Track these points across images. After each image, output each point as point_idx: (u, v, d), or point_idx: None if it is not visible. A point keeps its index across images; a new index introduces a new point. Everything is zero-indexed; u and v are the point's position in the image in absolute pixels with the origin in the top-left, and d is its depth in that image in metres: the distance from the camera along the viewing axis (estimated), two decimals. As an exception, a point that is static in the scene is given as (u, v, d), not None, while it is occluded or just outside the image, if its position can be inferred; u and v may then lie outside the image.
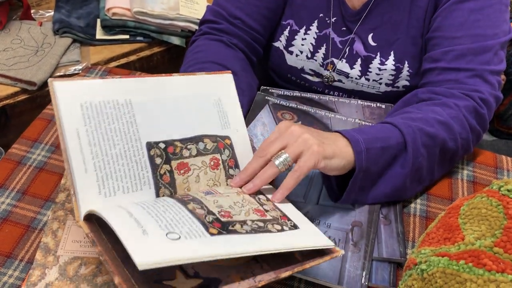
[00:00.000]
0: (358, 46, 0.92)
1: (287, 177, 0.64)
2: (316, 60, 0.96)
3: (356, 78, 0.94)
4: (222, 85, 0.72)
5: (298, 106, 0.89)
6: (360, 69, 0.93)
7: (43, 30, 1.47)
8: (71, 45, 1.44)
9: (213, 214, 0.56)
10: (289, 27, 0.95)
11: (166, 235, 0.50)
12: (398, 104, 0.86)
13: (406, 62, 0.89)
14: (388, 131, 0.72)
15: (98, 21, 1.49)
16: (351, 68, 0.93)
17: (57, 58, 1.38)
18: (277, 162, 0.63)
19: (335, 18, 0.92)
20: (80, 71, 1.36)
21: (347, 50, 0.93)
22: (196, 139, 0.67)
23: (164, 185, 0.63)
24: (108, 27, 1.45)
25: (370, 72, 0.92)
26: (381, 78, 0.92)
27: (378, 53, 0.91)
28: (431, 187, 0.80)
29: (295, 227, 0.60)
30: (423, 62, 0.85)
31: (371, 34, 0.90)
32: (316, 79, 0.98)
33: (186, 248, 0.49)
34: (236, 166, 0.70)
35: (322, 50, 0.94)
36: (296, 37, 0.95)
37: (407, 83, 0.92)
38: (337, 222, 0.72)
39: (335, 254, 0.58)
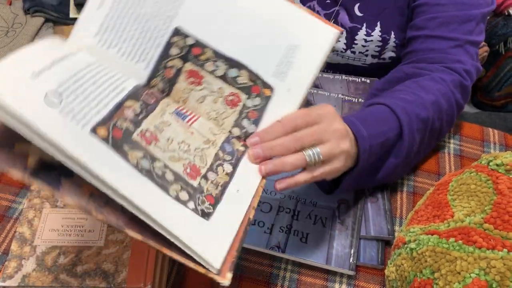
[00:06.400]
0: (343, 18, 0.89)
1: (305, 172, 0.55)
2: None
3: (341, 52, 0.92)
4: (317, 38, 0.58)
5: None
6: (345, 41, 0.91)
7: (13, 9, 1.41)
8: (43, 25, 1.38)
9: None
10: None
11: None
12: (383, 83, 0.83)
13: (393, 33, 0.88)
14: (388, 121, 0.67)
15: (71, -2, 1.43)
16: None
17: (29, 39, 1.32)
18: (307, 154, 0.54)
19: None
20: (54, 52, 1.32)
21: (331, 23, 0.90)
22: (233, 63, 0.55)
23: (162, 78, 0.54)
24: (82, 5, 1.39)
25: (356, 44, 0.90)
26: (367, 50, 0.90)
27: (364, 24, 0.88)
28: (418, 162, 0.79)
29: (206, 216, 0.47)
30: (408, 30, 0.84)
31: (358, 4, 0.88)
32: None
33: None
34: (256, 123, 0.56)
35: None
36: None
37: (393, 54, 0.90)
38: (323, 200, 0.70)
39: (217, 277, 0.43)
